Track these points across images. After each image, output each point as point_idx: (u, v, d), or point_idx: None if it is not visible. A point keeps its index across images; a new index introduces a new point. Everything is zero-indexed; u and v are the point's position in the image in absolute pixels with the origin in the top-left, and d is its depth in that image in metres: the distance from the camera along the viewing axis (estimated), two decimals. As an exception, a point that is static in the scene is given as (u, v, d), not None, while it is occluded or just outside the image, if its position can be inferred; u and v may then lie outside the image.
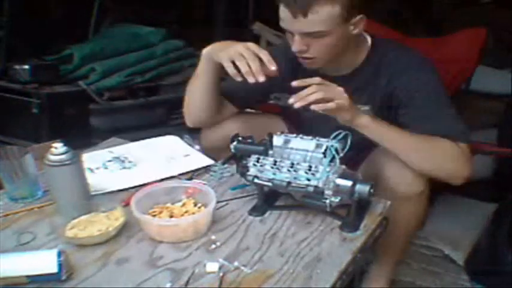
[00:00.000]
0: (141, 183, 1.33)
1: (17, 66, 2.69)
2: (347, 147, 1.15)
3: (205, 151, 1.54)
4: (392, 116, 1.37)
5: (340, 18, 1.25)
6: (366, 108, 1.39)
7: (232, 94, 1.50)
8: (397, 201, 1.26)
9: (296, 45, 1.29)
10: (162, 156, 1.49)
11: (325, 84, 1.20)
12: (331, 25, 1.25)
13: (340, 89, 1.21)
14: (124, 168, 1.44)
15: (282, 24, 1.29)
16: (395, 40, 1.51)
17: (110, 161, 1.47)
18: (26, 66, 2.67)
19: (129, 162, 1.47)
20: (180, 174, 1.39)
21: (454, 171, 1.33)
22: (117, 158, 1.49)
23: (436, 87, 1.37)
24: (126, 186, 1.32)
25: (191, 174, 1.39)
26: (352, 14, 1.27)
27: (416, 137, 1.29)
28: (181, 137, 1.62)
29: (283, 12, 1.26)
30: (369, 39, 1.42)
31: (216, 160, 1.45)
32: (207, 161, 1.45)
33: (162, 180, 1.34)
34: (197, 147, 1.55)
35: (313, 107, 1.17)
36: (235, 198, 1.26)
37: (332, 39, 1.28)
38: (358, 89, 1.37)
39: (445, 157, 1.30)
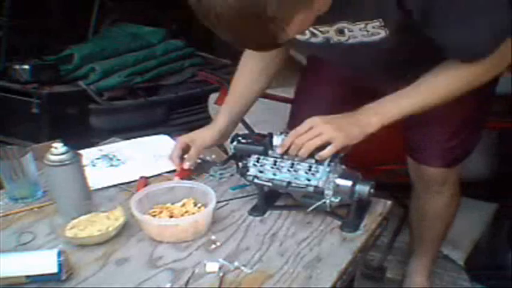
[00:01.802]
0: (126, 180, 1.35)
1: (17, 66, 2.69)
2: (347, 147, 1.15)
3: None
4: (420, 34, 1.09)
5: None
6: (376, 23, 1.09)
7: None
8: (431, 195, 1.23)
9: None
10: (150, 154, 1.50)
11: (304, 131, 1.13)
12: None
13: (318, 126, 1.12)
14: (111, 165, 1.45)
15: None
16: None
17: (98, 158, 1.48)
18: (26, 66, 2.68)
19: (117, 160, 1.47)
20: (167, 172, 1.39)
21: (493, 74, 1.16)
22: (106, 155, 1.49)
23: None
24: (111, 184, 1.33)
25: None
26: None
27: (434, 83, 1.13)
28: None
29: None
30: None
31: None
32: None
33: (148, 178, 1.35)
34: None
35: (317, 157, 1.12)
36: (235, 198, 1.26)
37: None
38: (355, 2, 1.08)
39: (475, 80, 1.13)
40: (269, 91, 1.96)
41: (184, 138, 1.39)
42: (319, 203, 1.11)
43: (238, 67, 1.44)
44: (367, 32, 1.11)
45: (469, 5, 1.02)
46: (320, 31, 1.16)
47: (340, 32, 1.14)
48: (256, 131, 1.26)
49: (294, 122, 1.52)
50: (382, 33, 1.10)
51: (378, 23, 1.09)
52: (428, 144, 1.47)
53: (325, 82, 1.48)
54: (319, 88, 1.49)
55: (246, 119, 2.09)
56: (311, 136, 1.12)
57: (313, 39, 1.18)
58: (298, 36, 1.17)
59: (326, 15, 1.05)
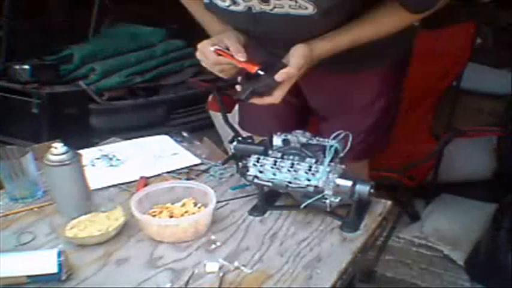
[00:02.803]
0: (126, 180, 1.35)
1: (17, 66, 2.70)
2: (347, 147, 1.16)
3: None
4: None
5: None
6: (310, 9, 1.07)
7: None
8: None
9: None
10: (150, 154, 1.50)
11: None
12: None
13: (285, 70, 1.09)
14: (111, 166, 1.45)
15: None
16: None
17: (97, 158, 1.48)
18: (26, 66, 2.68)
19: (117, 160, 1.47)
20: (167, 173, 1.39)
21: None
22: (106, 155, 1.49)
23: None
24: (110, 184, 1.33)
25: (189, 174, 1.40)
26: None
27: (369, 24, 1.14)
28: (181, 136, 1.63)
29: None
30: None
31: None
32: (195, 160, 1.46)
33: (148, 178, 1.35)
34: (198, 143, 1.56)
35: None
36: (236, 198, 1.26)
37: None
38: None
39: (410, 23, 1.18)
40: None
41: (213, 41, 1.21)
42: (316, 197, 1.11)
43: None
44: (295, 2, 1.06)
45: None
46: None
47: (264, 0, 1.09)
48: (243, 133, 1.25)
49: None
50: (310, 9, 1.06)
51: None
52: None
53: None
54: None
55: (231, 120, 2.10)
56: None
57: (233, 7, 1.13)
58: (219, 3, 1.13)
59: None
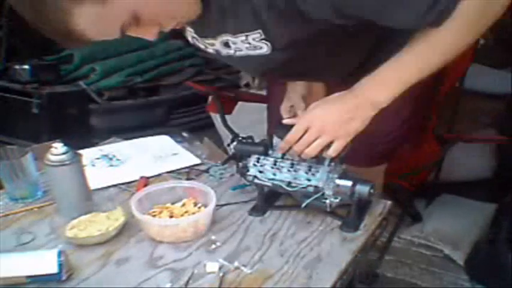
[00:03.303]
0: (126, 181, 1.35)
1: (17, 66, 2.69)
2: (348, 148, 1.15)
3: None
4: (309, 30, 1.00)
5: None
6: (255, 36, 1.02)
7: None
8: None
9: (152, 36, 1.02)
10: (150, 154, 1.50)
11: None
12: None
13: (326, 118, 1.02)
14: (111, 166, 1.45)
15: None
16: None
17: (97, 158, 1.48)
18: (26, 66, 2.68)
19: (117, 160, 1.47)
20: (167, 173, 1.39)
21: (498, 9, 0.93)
22: (106, 155, 1.50)
23: None
24: (111, 184, 1.34)
25: (188, 174, 1.40)
26: None
27: (418, 49, 0.98)
28: (181, 136, 1.63)
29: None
30: None
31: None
32: (195, 160, 1.46)
33: (148, 178, 1.35)
34: (198, 143, 1.56)
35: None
36: (235, 203, 1.25)
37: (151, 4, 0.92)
38: (228, 14, 0.99)
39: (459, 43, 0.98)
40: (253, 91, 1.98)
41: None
42: (315, 196, 1.11)
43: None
44: (249, 44, 1.04)
45: None
46: (208, 43, 1.11)
47: (226, 45, 1.08)
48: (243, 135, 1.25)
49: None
50: (265, 48, 1.03)
51: (258, 35, 1.01)
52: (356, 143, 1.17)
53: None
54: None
55: (231, 124, 2.10)
56: (309, 141, 1.05)
57: (209, 49, 1.14)
58: (196, 43, 1.16)
59: (207, 27, 1.04)
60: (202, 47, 1.15)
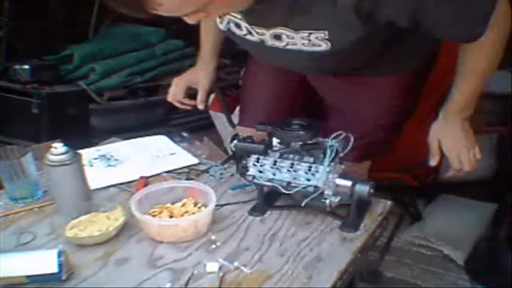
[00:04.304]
0: (124, 181, 1.35)
1: (17, 66, 2.69)
2: (348, 147, 1.15)
3: None
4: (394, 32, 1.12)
5: None
6: (321, 35, 1.07)
7: None
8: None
9: (190, 20, 0.99)
10: (148, 154, 1.50)
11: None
12: None
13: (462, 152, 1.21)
14: (109, 166, 1.45)
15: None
16: None
17: (95, 158, 1.48)
18: (26, 66, 2.68)
19: (115, 160, 1.48)
20: (166, 172, 1.40)
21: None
22: (103, 156, 1.50)
23: None
24: (109, 184, 1.34)
25: (188, 174, 1.40)
26: None
27: (477, 67, 1.18)
28: (181, 136, 1.63)
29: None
30: None
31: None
32: (193, 160, 1.46)
33: (148, 177, 1.35)
34: (198, 143, 1.57)
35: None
36: (235, 203, 1.25)
37: None
38: (298, 7, 1.02)
39: (500, 46, 1.15)
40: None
41: (182, 82, 1.60)
42: (315, 194, 1.11)
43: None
44: (308, 41, 1.09)
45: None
46: (256, 32, 1.15)
47: (276, 37, 1.12)
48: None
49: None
50: (324, 46, 1.09)
51: (322, 35, 1.07)
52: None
53: (266, 79, 1.49)
54: (262, 84, 1.50)
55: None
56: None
57: (249, 37, 1.18)
58: (236, 31, 1.18)
59: (263, 17, 1.07)
60: (240, 33, 1.18)
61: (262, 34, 1.13)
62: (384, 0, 0.98)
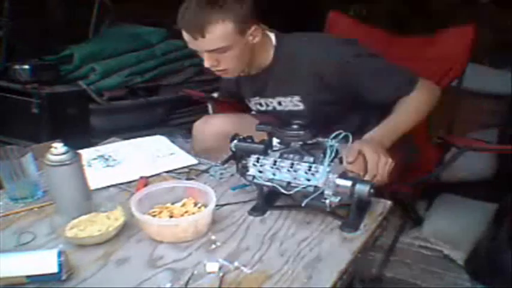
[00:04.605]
0: (123, 181, 1.35)
1: (17, 66, 2.69)
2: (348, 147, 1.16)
3: (199, 153, 1.61)
4: (331, 97, 1.48)
5: (235, 33, 1.37)
6: (297, 98, 1.52)
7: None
8: None
9: (206, 63, 1.43)
10: (147, 154, 1.51)
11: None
12: (228, 40, 1.37)
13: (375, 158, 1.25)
14: (108, 166, 1.45)
15: (189, 46, 1.43)
16: (305, 33, 1.55)
17: (94, 159, 1.48)
18: (26, 66, 2.68)
19: (114, 160, 1.48)
20: (166, 172, 1.40)
21: (434, 103, 1.47)
22: (102, 156, 1.50)
23: (365, 54, 1.46)
24: (108, 184, 1.34)
25: (188, 174, 1.40)
26: (246, 27, 1.39)
27: (402, 113, 1.41)
28: (182, 136, 1.63)
29: (186, 36, 1.41)
30: (273, 37, 1.51)
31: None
32: (191, 160, 1.46)
33: (147, 177, 1.36)
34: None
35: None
36: (235, 203, 1.25)
37: (236, 52, 1.41)
38: (279, 82, 1.52)
39: (425, 105, 1.44)
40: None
41: None
42: (315, 194, 1.11)
43: None
44: (291, 103, 1.53)
45: (381, 64, 1.45)
46: (268, 102, 1.59)
47: (279, 103, 1.57)
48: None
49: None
50: (301, 106, 1.52)
51: (298, 98, 1.51)
52: None
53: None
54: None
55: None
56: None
57: (265, 108, 1.61)
58: (261, 108, 1.62)
59: (268, 90, 1.55)
60: (262, 108, 1.63)
61: (272, 103, 1.59)
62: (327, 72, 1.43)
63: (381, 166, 1.22)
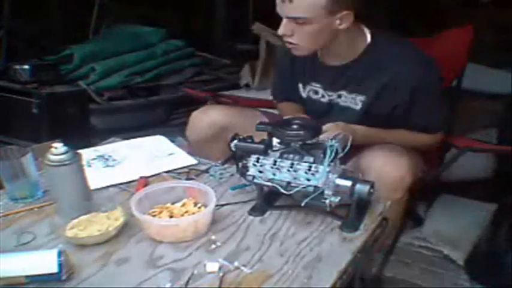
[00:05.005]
0: (122, 181, 1.35)
1: (17, 66, 2.69)
2: (347, 147, 1.15)
3: (193, 143, 1.62)
4: (386, 107, 1.48)
5: (324, 9, 1.31)
6: (361, 98, 1.49)
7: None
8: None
9: (281, 29, 1.37)
10: (146, 154, 1.51)
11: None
12: (314, 13, 1.31)
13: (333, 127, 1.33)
14: (107, 166, 1.45)
15: (277, 9, 1.37)
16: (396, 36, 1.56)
17: (94, 159, 1.48)
18: (26, 66, 2.67)
19: (113, 160, 1.48)
20: (166, 172, 1.40)
21: (423, 149, 1.56)
22: (101, 156, 1.50)
23: (436, 85, 1.50)
24: (108, 184, 1.34)
25: (187, 174, 1.40)
26: (338, 8, 1.33)
27: (400, 136, 1.50)
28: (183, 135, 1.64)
29: None
30: (368, 34, 1.46)
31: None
32: (190, 160, 1.46)
33: (147, 177, 1.35)
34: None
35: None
36: (235, 203, 1.25)
37: (314, 28, 1.34)
38: (354, 79, 1.48)
39: (420, 147, 1.53)
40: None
41: None
42: (315, 194, 1.11)
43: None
44: (353, 100, 1.50)
45: (436, 99, 1.51)
46: (328, 94, 1.54)
47: (339, 96, 1.52)
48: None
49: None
50: (359, 106, 1.50)
51: (363, 98, 1.48)
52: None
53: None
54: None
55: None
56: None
57: (322, 99, 1.56)
58: (313, 96, 1.57)
59: (338, 83, 1.50)
60: (316, 97, 1.57)
61: (331, 95, 1.54)
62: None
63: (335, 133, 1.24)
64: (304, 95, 1.61)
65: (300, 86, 1.61)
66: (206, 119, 1.63)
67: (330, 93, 1.54)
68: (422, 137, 1.53)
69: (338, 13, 1.33)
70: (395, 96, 1.45)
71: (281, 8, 1.35)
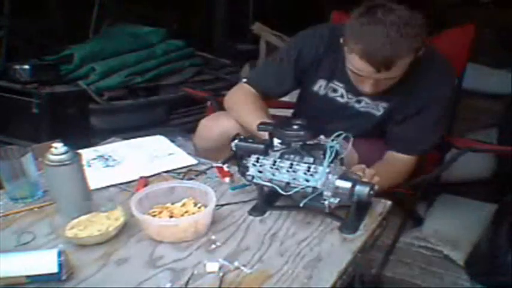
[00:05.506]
0: (122, 181, 1.35)
1: (17, 66, 2.69)
2: (347, 148, 1.15)
3: (201, 151, 1.60)
4: (400, 115, 1.50)
5: (414, 54, 1.34)
6: (384, 104, 1.51)
7: (264, 87, 1.62)
8: None
9: (371, 89, 1.39)
10: (146, 154, 1.50)
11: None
12: (406, 67, 1.34)
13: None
14: (107, 166, 1.45)
15: (355, 69, 1.36)
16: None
17: (94, 159, 1.48)
18: (26, 66, 2.67)
19: (113, 160, 1.48)
20: (166, 172, 1.40)
21: (400, 181, 1.52)
22: (101, 156, 1.50)
23: (449, 101, 1.54)
24: (108, 184, 1.34)
25: (188, 174, 1.39)
26: (422, 45, 1.34)
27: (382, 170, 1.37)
28: (183, 135, 1.63)
29: (363, 64, 1.32)
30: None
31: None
32: (190, 160, 1.46)
33: (147, 177, 1.35)
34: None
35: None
36: (235, 203, 1.25)
37: (402, 73, 1.36)
38: (395, 93, 1.46)
39: (398, 177, 1.50)
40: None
41: None
42: (313, 195, 1.11)
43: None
44: (376, 106, 1.51)
45: (435, 122, 1.50)
46: (348, 97, 1.53)
47: (358, 101, 1.53)
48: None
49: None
50: (380, 112, 1.50)
51: (386, 105, 1.49)
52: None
53: None
54: None
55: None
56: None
57: (339, 99, 1.54)
58: (331, 94, 1.54)
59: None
60: (334, 95, 1.55)
61: (350, 98, 1.52)
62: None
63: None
64: (322, 91, 1.57)
65: (321, 81, 1.56)
66: (217, 128, 1.59)
67: (350, 96, 1.53)
68: (405, 165, 1.50)
69: (421, 50, 1.35)
70: (415, 107, 1.47)
71: (371, 74, 1.33)
